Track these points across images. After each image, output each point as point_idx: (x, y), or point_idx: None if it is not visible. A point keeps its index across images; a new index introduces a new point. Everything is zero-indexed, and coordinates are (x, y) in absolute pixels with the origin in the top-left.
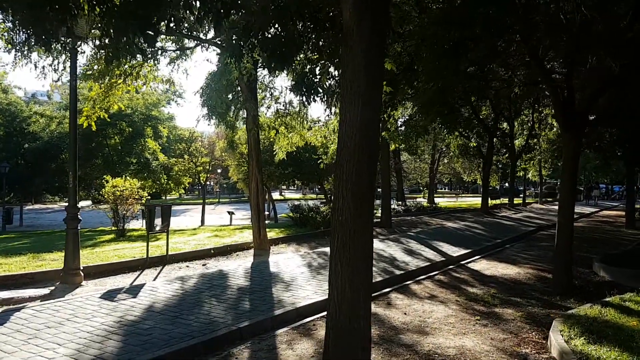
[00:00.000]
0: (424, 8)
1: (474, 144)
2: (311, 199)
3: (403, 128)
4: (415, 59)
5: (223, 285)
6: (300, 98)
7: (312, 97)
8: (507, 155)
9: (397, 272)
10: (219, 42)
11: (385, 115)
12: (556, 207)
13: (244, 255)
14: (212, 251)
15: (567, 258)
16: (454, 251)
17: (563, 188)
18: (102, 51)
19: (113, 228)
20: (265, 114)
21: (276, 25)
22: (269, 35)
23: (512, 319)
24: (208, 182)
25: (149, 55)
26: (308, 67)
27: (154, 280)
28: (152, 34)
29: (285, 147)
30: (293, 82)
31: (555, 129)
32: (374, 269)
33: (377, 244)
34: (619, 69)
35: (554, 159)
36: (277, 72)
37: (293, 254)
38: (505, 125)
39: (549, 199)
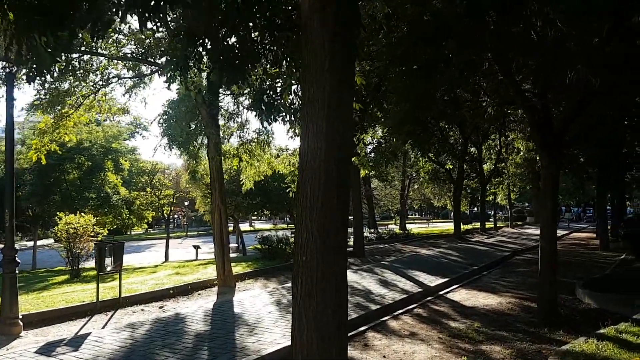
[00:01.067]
0: (392, 27)
1: (450, 166)
2: (282, 229)
3: (372, 154)
4: (384, 79)
5: (179, 332)
6: (260, 118)
7: (272, 116)
8: (477, 179)
9: (373, 307)
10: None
11: (354, 139)
12: (527, 231)
13: (207, 294)
14: (171, 291)
15: (552, 286)
16: (431, 280)
17: (544, 211)
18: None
19: (67, 268)
20: (228, 141)
21: (226, 30)
22: (219, 44)
23: (502, 358)
24: (175, 215)
25: (80, 73)
26: (268, 82)
27: (103, 328)
28: (67, 34)
29: (252, 177)
30: (251, 100)
31: (522, 153)
32: (348, 305)
33: (351, 276)
34: (599, 83)
35: (521, 183)
36: (232, 87)
37: (260, 290)
38: (473, 149)
39: (518, 223)
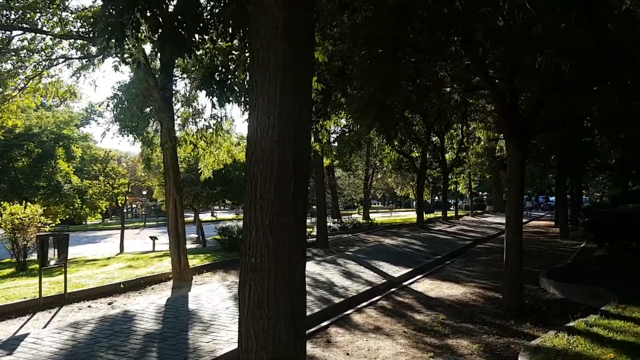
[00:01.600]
0: (356, 8)
1: (417, 154)
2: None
3: (336, 144)
4: (347, 63)
5: (127, 332)
6: (211, 98)
7: (224, 96)
8: (439, 169)
9: (336, 300)
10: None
11: (317, 125)
12: (487, 219)
13: (161, 289)
14: (122, 286)
15: (517, 278)
16: (395, 271)
17: (510, 201)
18: None
19: (13, 261)
20: (184, 127)
21: None
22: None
23: (470, 354)
24: (133, 205)
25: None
26: (219, 59)
27: (44, 327)
28: None
29: (211, 165)
30: (201, 78)
31: (483, 143)
32: (309, 297)
33: (314, 267)
34: (568, 68)
35: (482, 172)
36: (178, 62)
37: (218, 284)
38: (436, 139)
39: (478, 211)
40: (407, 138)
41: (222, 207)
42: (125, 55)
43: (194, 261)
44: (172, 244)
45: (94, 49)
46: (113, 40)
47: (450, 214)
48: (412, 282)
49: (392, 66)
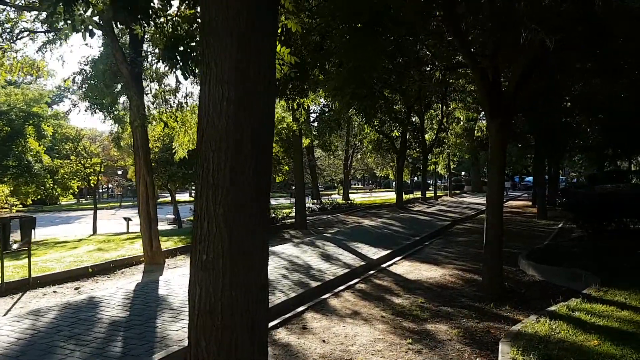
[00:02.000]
0: None
1: (397, 134)
2: None
3: (316, 124)
4: (325, 38)
5: (91, 319)
6: (174, 69)
7: (189, 68)
8: (419, 149)
9: (313, 283)
10: None
11: (294, 104)
12: (466, 199)
13: (131, 273)
14: (90, 270)
15: (498, 260)
16: (374, 253)
17: (491, 182)
18: None
19: None
20: (156, 105)
21: None
22: None
23: (449, 340)
24: (110, 185)
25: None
26: (184, 27)
27: (4, 315)
28: None
29: (186, 145)
30: (162, 48)
31: (462, 123)
32: (285, 281)
33: (291, 250)
34: (554, 44)
35: (461, 152)
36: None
37: None
38: (416, 119)
39: (457, 191)
40: (387, 118)
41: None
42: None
43: (167, 243)
44: (143, 226)
45: (61, 23)
46: (61, 5)
47: (429, 194)
48: (391, 264)
49: (372, 41)
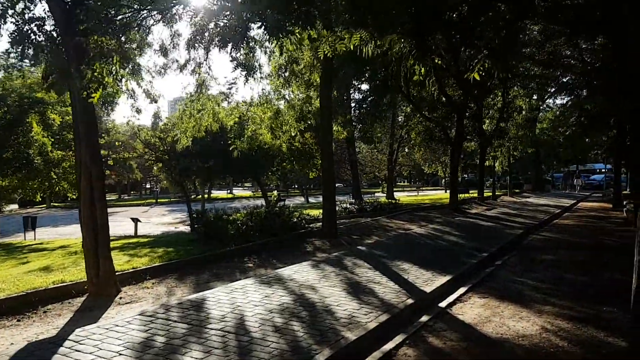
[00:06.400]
0: None
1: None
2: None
3: (357, 112)
4: None
5: None
6: None
7: None
8: (477, 141)
9: (326, 352)
10: None
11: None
12: (530, 200)
13: (58, 312)
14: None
15: None
16: (426, 280)
17: None
18: None
19: None
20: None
21: None
22: None
23: None
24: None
25: None
26: None
27: None
28: None
29: (190, 131)
30: None
31: (524, 113)
32: (270, 347)
33: (307, 273)
34: None
35: (522, 146)
36: None
37: (149, 305)
38: (472, 105)
39: (516, 191)
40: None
41: (239, 184)
42: None
43: (142, 260)
44: (86, 241)
45: None
46: None
47: (486, 193)
48: (454, 303)
49: None
